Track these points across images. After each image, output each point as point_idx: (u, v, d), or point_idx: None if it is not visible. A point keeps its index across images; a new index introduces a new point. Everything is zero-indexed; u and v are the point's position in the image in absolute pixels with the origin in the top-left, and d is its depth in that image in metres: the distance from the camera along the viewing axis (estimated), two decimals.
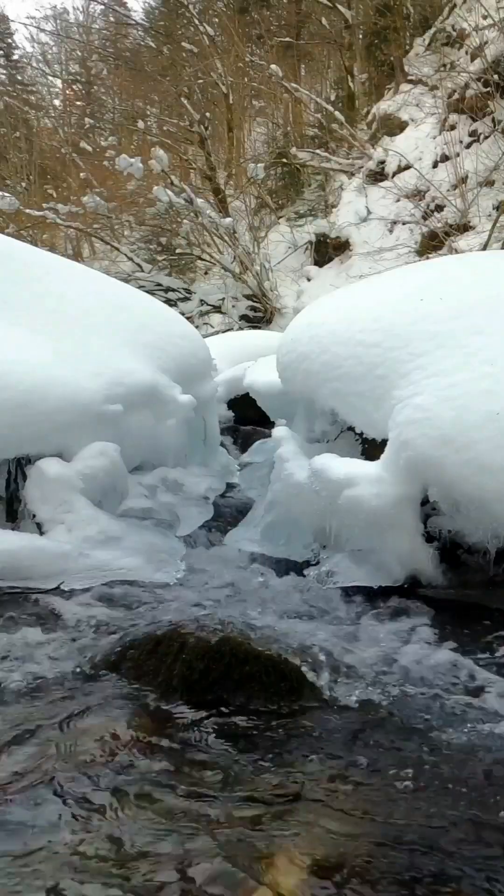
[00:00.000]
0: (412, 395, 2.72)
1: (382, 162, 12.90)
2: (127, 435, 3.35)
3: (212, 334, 9.95)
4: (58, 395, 3.09)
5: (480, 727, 1.74)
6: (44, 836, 1.31)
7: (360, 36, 17.20)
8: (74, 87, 29.06)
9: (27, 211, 13.59)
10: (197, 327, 9.25)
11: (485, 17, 10.78)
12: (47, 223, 14.25)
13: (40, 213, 13.53)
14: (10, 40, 30.27)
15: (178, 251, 14.78)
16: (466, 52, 11.77)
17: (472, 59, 11.01)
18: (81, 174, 18.38)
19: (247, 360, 6.36)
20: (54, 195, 18.37)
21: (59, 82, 29.29)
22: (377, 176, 12.92)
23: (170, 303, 10.13)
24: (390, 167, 12.62)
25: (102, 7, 27.17)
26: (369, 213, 12.71)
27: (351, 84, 16.94)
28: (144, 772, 1.52)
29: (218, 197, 16.23)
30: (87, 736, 1.66)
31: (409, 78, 14.23)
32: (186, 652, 1.89)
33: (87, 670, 2.00)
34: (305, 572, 2.90)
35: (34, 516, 2.97)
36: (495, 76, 9.91)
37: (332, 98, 18.68)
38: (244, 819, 1.36)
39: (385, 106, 14.48)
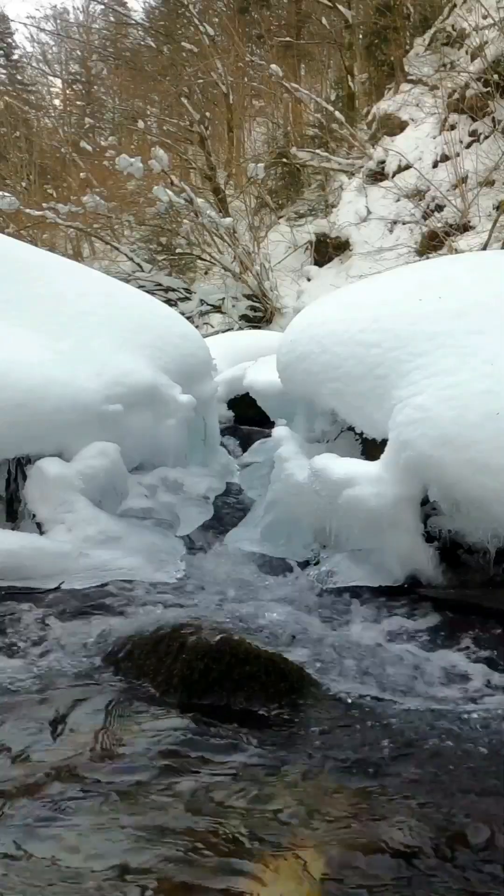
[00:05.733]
0: (412, 395, 2.72)
1: (382, 162, 12.89)
2: (127, 435, 3.36)
3: (212, 334, 9.93)
4: (58, 394, 3.09)
5: (481, 727, 1.75)
6: (42, 834, 1.31)
7: (360, 36, 17.16)
8: (74, 86, 29.07)
9: (27, 211, 13.56)
10: (197, 327, 9.24)
11: (485, 17, 10.78)
12: (47, 223, 14.22)
13: (40, 213, 13.50)
14: (10, 40, 30.32)
15: (178, 251, 14.77)
16: (466, 52, 11.77)
17: (472, 59, 11.01)
18: (81, 174, 18.34)
19: (247, 360, 6.34)
20: (54, 195, 18.31)
21: (59, 82, 29.33)
22: (377, 176, 12.91)
23: (170, 303, 10.12)
24: (390, 167, 12.60)
25: (102, 7, 27.21)
26: (369, 213, 12.70)
27: (351, 84, 16.92)
28: (143, 771, 1.52)
29: (218, 197, 16.21)
30: (86, 735, 1.66)
31: (409, 78, 14.21)
32: (186, 651, 1.89)
33: (87, 670, 2.00)
34: (305, 572, 2.90)
35: (34, 516, 2.98)
36: (495, 76, 9.90)
37: (332, 98, 18.65)
38: (244, 819, 1.36)
39: (385, 106, 14.47)
